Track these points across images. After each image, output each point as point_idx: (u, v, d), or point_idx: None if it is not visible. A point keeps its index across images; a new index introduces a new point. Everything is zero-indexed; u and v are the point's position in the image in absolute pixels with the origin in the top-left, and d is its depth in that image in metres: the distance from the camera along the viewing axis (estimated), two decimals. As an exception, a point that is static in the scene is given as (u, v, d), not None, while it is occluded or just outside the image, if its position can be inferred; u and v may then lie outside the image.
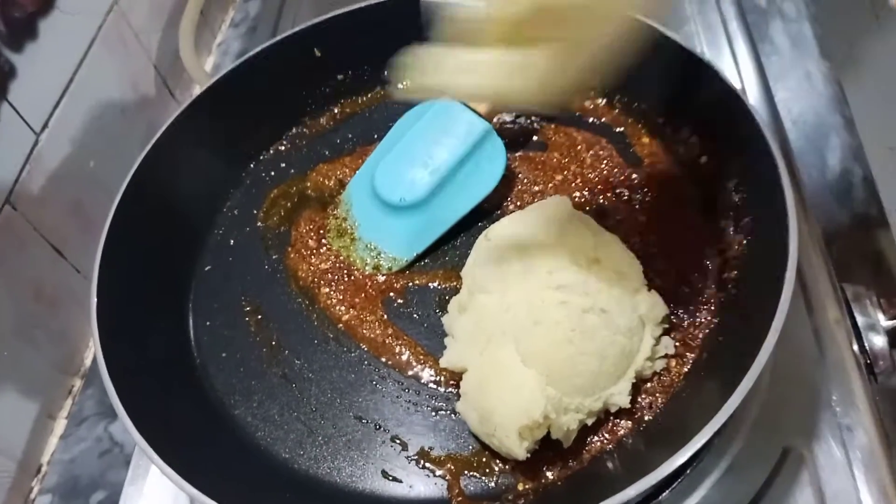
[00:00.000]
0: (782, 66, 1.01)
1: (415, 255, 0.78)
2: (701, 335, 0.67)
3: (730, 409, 0.53)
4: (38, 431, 0.85)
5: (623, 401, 0.61)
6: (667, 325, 0.66)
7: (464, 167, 0.77)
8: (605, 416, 0.63)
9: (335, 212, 0.83)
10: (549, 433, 0.60)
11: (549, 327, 0.60)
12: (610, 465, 0.61)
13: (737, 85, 0.73)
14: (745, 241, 0.68)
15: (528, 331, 0.60)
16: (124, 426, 0.61)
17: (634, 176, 0.80)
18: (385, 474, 0.65)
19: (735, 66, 1.00)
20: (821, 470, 0.66)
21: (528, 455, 0.59)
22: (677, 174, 0.78)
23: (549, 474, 0.61)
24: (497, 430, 0.59)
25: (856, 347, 0.73)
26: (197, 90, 1.21)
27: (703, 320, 0.67)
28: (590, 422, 0.61)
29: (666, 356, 0.65)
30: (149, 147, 0.82)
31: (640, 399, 0.64)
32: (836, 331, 0.74)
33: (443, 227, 0.78)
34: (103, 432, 0.83)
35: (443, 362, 0.64)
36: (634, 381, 0.63)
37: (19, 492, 0.82)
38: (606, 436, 0.63)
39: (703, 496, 0.65)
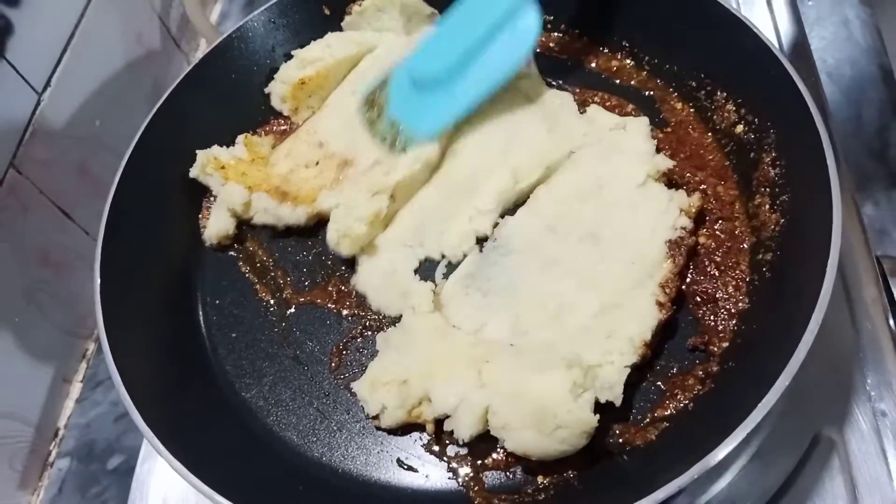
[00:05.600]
0: (819, 11, 0.94)
1: (433, 135, 0.73)
2: (733, 321, 0.63)
3: (763, 410, 0.51)
4: (54, 395, 0.85)
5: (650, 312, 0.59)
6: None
7: (492, 39, 0.71)
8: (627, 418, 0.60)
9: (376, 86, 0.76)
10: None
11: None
12: (628, 460, 0.58)
13: (771, 37, 0.66)
14: (782, 221, 0.63)
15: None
16: (130, 416, 0.60)
17: (664, 145, 0.75)
18: (401, 463, 0.63)
19: (769, 13, 0.94)
20: (853, 457, 0.63)
21: (598, 418, 0.55)
22: (711, 144, 0.73)
23: (569, 469, 0.59)
24: (558, 416, 0.54)
25: (892, 323, 0.70)
26: (203, 43, 1.17)
27: (734, 305, 0.64)
28: (632, 360, 0.58)
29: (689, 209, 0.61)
30: (153, 112, 0.79)
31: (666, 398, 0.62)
32: (872, 311, 0.70)
33: (463, 105, 0.72)
34: (119, 396, 0.83)
35: None
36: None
37: (38, 456, 0.82)
38: (625, 433, 0.60)
39: (728, 483, 0.63)
